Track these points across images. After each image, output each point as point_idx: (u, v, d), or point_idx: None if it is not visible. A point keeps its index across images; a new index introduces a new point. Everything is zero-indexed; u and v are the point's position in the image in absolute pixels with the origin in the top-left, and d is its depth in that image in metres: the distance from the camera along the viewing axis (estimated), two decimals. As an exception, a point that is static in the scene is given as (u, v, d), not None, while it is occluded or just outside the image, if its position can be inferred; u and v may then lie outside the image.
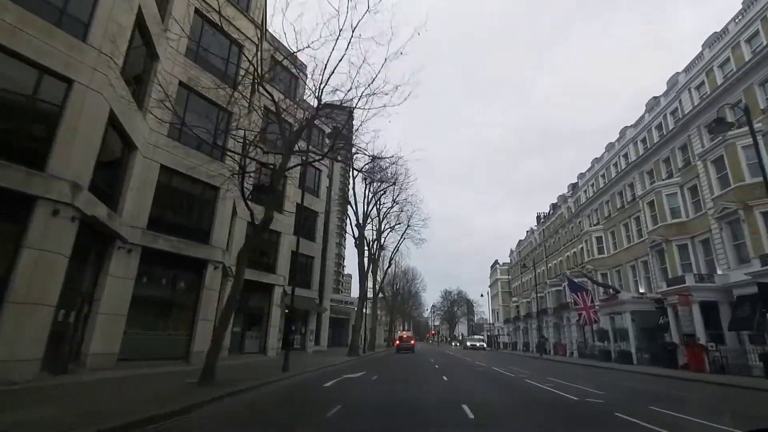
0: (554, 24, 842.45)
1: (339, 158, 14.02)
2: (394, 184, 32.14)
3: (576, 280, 32.37)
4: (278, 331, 22.75)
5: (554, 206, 51.07)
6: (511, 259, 72.73)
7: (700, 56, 23.86)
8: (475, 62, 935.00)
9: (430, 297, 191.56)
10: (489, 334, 78.54)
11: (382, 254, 38.58)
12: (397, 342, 42.54)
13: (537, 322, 45.73)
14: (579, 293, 30.12)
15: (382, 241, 36.40)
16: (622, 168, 32.01)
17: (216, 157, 15.47)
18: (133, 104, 11.99)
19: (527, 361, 29.87)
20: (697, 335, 20.37)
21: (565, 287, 40.87)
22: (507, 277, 74.21)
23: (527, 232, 63.11)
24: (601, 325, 30.15)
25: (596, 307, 29.76)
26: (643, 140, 29.70)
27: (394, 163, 23.60)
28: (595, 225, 36.28)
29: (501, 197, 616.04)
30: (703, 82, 23.36)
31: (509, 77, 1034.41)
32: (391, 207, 34.71)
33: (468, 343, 60.87)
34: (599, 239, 34.86)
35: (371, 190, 31.09)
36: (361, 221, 30.76)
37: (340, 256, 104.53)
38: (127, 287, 12.28)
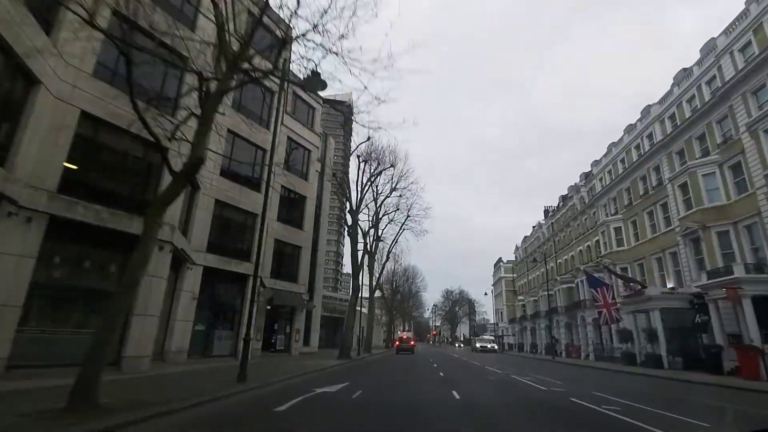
0: (554, 24, 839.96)
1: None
2: (392, 166, 29.18)
3: (595, 274, 29.09)
4: (256, 331, 19.58)
5: (564, 198, 47.73)
6: (516, 257, 69.40)
7: (744, 13, 20.58)
8: (475, 62, 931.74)
9: (431, 296, 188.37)
10: (493, 334, 75.10)
11: (379, 246, 35.31)
12: (397, 343, 42.29)
13: (546, 321, 42.44)
14: (599, 289, 26.87)
15: (380, 232, 33.13)
16: (646, 150, 28.69)
17: (166, 111, 12.23)
18: (30, 19, 8.81)
19: (543, 365, 26.55)
20: (750, 336, 17.13)
21: (578, 284, 37.62)
22: (512, 275, 70.94)
23: (533, 227, 59.70)
24: (623, 325, 26.91)
25: (618, 305, 26.49)
26: (672, 117, 26.41)
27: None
28: (612, 215, 32.95)
29: (501, 197, 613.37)
30: (749, 42, 20.08)
31: (509, 77, 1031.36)
32: (389, 194, 31.51)
33: (478, 345, 55.13)
34: (618, 230, 31.58)
35: (366, 171, 27.92)
36: (354, 207, 27.50)
37: (339, 254, 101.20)
38: (23, 269, 9.05)
